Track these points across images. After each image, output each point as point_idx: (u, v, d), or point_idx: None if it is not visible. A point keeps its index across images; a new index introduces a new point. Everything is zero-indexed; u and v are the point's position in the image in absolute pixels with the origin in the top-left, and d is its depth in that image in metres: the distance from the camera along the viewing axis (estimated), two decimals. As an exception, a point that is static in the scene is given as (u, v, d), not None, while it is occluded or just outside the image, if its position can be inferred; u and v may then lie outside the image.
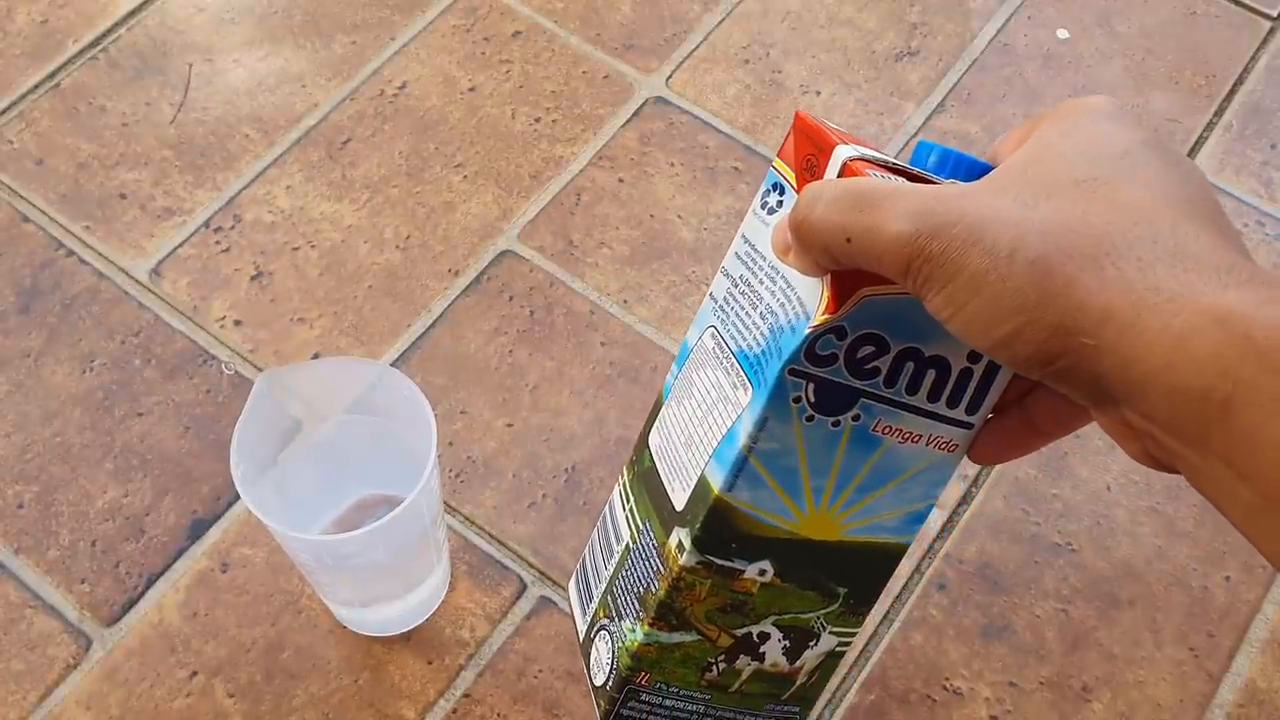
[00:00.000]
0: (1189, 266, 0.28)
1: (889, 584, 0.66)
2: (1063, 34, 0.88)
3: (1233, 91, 0.86)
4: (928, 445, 0.37)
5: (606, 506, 0.45)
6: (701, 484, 0.38)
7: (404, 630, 0.65)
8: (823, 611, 0.41)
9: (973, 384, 0.36)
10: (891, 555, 0.40)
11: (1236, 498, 0.28)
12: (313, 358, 0.73)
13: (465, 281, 0.76)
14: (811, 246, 0.32)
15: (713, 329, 0.39)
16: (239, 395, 0.72)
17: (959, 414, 0.37)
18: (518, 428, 0.71)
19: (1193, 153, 0.83)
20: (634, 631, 0.41)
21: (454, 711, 0.63)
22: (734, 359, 0.37)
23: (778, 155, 0.38)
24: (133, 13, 0.86)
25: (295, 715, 0.63)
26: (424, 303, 0.75)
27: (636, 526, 0.42)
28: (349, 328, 0.74)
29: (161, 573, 0.66)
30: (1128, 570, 0.68)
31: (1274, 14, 0.89)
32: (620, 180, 0.80)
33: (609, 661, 0.42)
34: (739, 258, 0.39)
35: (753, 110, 0.83)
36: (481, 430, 0.71)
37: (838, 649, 0.43)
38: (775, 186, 0.38)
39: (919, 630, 0.66)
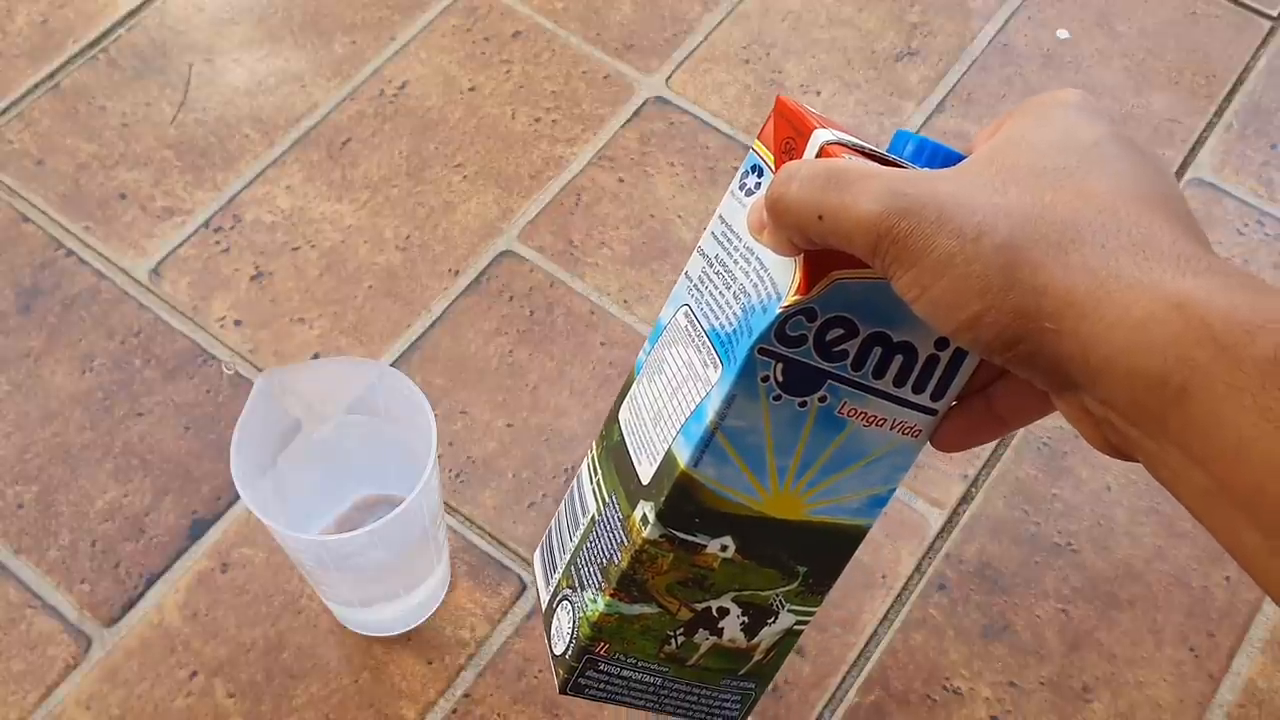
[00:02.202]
0: (1150, 255, 0.29)
1: (889, 583, 0.66)
2: (1063, 34, 0.88)
3: (1233, 91, 0.86)
4: (892, 429, 0.38)
5: (574, 479, 0.45)
6: (668, 459, 0.38)
7: (404, 630, 0.65)
8: (782, 590, 0.42)
9: (939, 371, 0.37)
10: (852, 537, 0.41)
11: (1191, 483, 0.29)
12: (313, 358, 0.73)
13: (465, 281, 0.76)
14: (785, 224, 0.33)
15: (686, 308, 0.40)
16: (239, 395, 0.72)
17: (924, 400, 0.38)
18: (518, 428, 0.71)
19: (1193, 153, 0.83)
20: (595, 602, 0.42)
21: (454, 711, 0.63)
22: (706, 337, 0.38)
23: (757, 138, 0.38)
24: (133, 13, 0.86)
25: (295, 715, 0.63)
26: (424, 303, 0.75)
27: (602, 499, 0.42)
28: (349, 328, 0.74)
29: (161, 573, 0.66)
30: (1128, 570, 0.68)
31: (1274, 14, 0.89)
32: (620, 180, 0.80)
33: (569, 630, 0.43)
34: (715, 238, 0.39)
35: (753, 110, 0.83)
36: (481, 430, 0.71)
37: (795, 627, 0.44)
38: (754, 168, 0.38)
39: (919, 630, 0.66)
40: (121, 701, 0.63)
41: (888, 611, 0.66)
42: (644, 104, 0.83)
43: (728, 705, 0.46)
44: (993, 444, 0.71)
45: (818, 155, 0.34)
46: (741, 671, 0.45)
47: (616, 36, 0.86)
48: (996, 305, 0.29)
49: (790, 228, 0.33)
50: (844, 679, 0.65)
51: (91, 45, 0.85)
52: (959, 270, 0.29)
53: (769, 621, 0.43)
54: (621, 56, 0.85)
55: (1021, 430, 0.72)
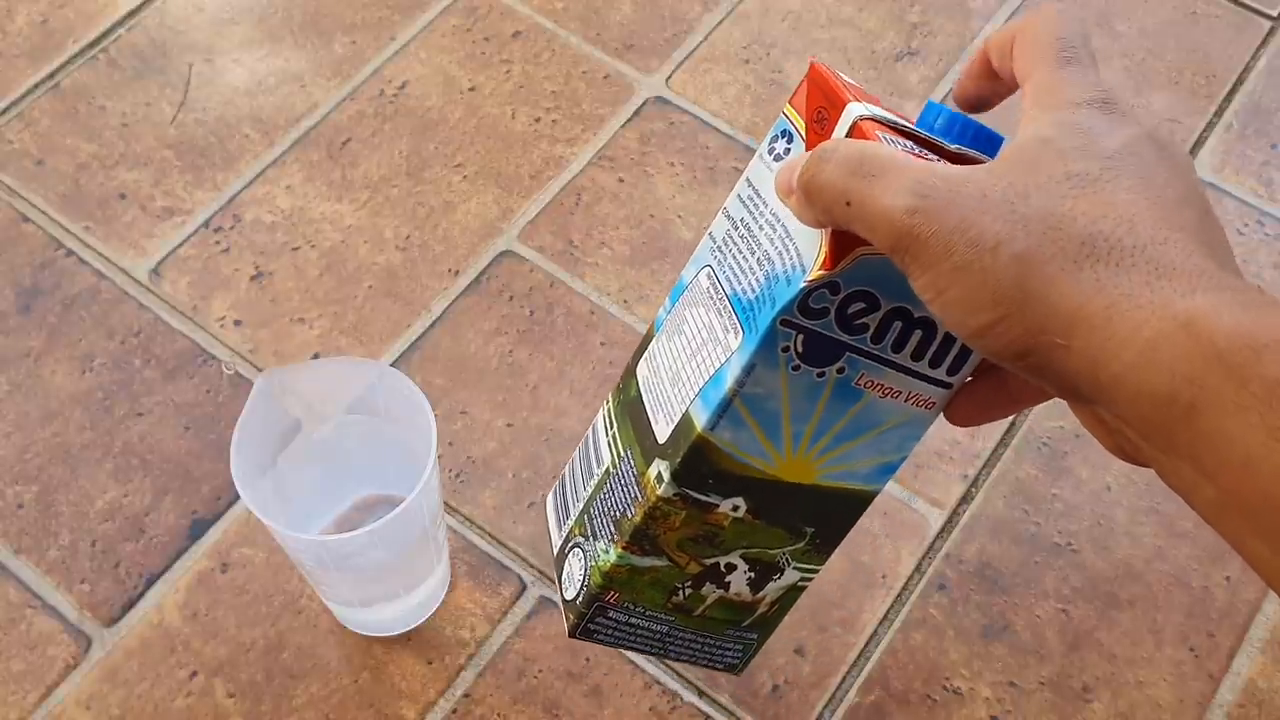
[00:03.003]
0: (1162, 274, 0.29)
1: (889, 583, 0.66)
2: (1063, 34, 0.88)
3: (1233, 91, 0.86)
4: (907, 401, 0.39)
5: (589, 429, 0.46)
6: (685, 421, 0.39)
7: (404, 630, 0.65)
8: (789, 548, 0.43)
9: (956, 347, 0.37)
10: (861, 501, 0.42)
11: (1201, 494, 0.29)
12: (313, 358, 0.73)
13: (465, 281, 0.76)
14: (814, 203, 0.33)
15: (709, 269, 0.40)
16: (239, 395, 0.72)
17: (940, 374, 0.38)
18: (518, 428, 0.71)
19: (1193, 153, 0.83)
20: (607, 553, 0.42)
21: (454, 711, 0.63)
22: (727, 301, 0.38)
23: (789, 102, 0.38)
24: (133, 13, 0.86)
25: (295, 715, 0.63)
26: (424, 303, 0.75)
27: (618, 453, 0.43)
28: (349, 328, 0.74)
29: (161, 573, 0.66)
30: (1128, 570, 0.68)
31: (1274, 14, 0.89)
32: (620, 180, 0.80)
33: (581, 578, 0.44)
34: (741, 200, 0.39)
35: (753, 110, 0.83)
36: (481, 430, 0.71)
37: (800, 583, 0.45)
38: (784, 134, 0.38)
39: (919, 630, 0.66)
40: (121, 701, 0.63)
41: (888, 611, 0.66)
42: (644, 104, 0.83)
43: (730, 653, 0.48)
44: (993, 445, 0.71)
45: (850, 131, 0.35)
46: (745, 623, 0.46)
47: (616, 36, 0.86)
48: (1008, 316, 0.30)
49: (819, 207, 0.33)
50: (844, 679, 0.65)
51: (91, 45, 0.85)
52: (974, 279, 0.30)
53: (775, 577, 0.44)
54: (621, 56, 0.85)
55: (1022, 430, 0.72)
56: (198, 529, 0.68)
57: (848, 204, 0.32)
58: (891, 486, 0.70)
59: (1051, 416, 0.72)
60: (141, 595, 0.66)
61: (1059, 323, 0.29)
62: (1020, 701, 0.64)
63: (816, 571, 0.45)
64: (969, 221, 0.30)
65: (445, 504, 0.68)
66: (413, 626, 0.65)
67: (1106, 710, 0.64)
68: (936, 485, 0.70)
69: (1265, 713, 0.64)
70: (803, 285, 0.35)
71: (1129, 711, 0.64)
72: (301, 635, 0.65)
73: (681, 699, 0.64)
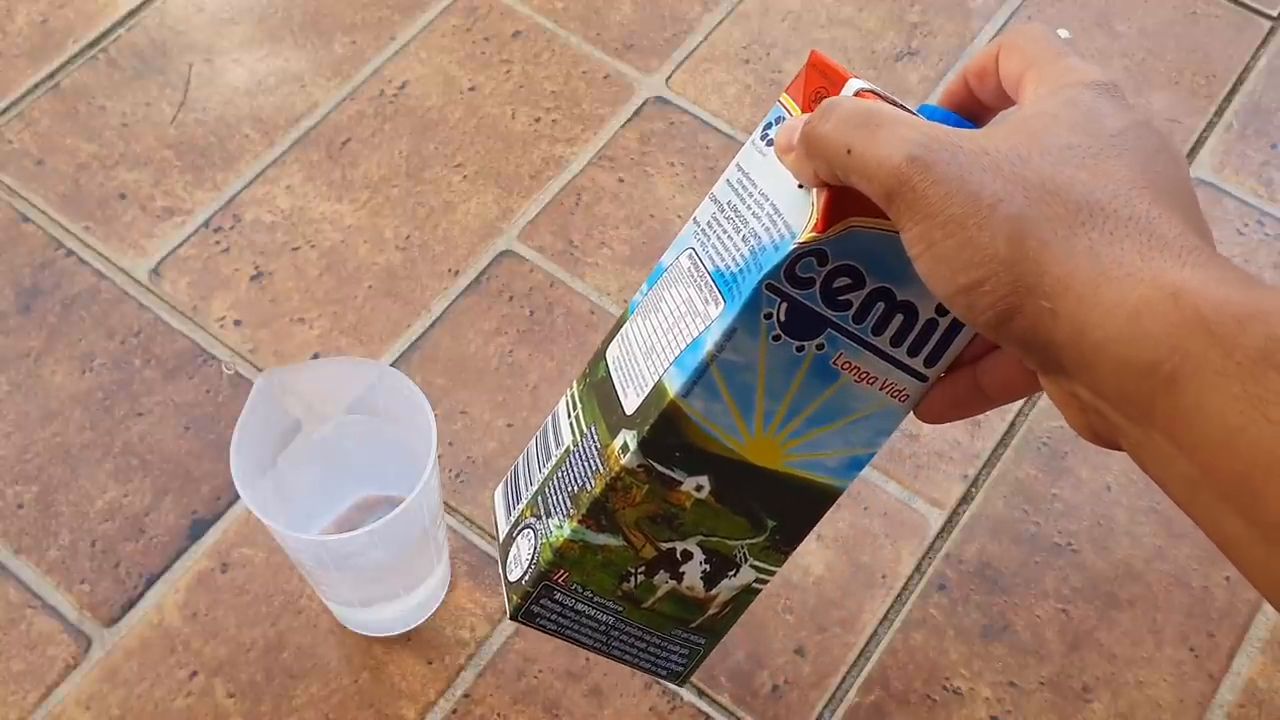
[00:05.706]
0: (1155, 246, 0.29)
1: (889, 583, 0.67)
2: (1063, 34, 0.88)
3: (1233, 91, 0.86)
4: (881, 389, 0.38)
5: (549, 418, 0.45)
6: (657, 389, 0.39)
7: (404, 630, 0.65)
8: (748, 541, 0.42)
9: (936, 336, 0.37)
10: (825, 497, 0.42)
11: (1176, 471, 0.29)
12: (313, 358, 0.73)
13: (465, 281, 0.76)
14: (814, 154, 0.33)
15: (691, 250, 0.40)
16: (239, 395, 0.72)
17: (917, 364, 0.38)
18: (518, 428, 0.71)
19: (1193, 153, 0.83)
20: (561, 528, 0.42)
21: (454, 711, 0.63)
22: (709, 277, 0.38)
23: (785, 91, 0.38)
24: (133, 13, 0.86)
25: (295, 715, 0.63)
26: (424, 303, 0.75)
27: (580, 431, 0.42)
28: (349, 328, 0.74)
29: (161, 573, 0.66)
30: (1128, 570, 0.68)
31: (1274, 14, 0.89)
32: (620, 180, 0.80)
33: (529, 557, 0.43)
34: (730, 185, 0.39)
35: (753, 110, 0.83)
36: (481, 430, 0.71)
37: (754, 585, 0.44)
38: (779, 120, 0.38)
39: (919, 630, 0.66)
40: (121, 701, 0.63)
41: (888, 611, 0.66)
42: (644, 104, 0.83)
43: (674, 658, 0.47)
44: (992, 445, 0.71)
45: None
46: (693, 624, 0.45)
47: (616, 36, 0.86)
48: (997, 274, 0.30)
49: (819, 158, 0.33)
50: (844, 679, 0.65)
51: (91, 45, 0.85)
52: (968, 234, 0.30)
53: (730, 574, 0.43)
54: (621, 56, 0.85)
55: (1022, 430, 0.72)
56: (198, 529, 0.68)
57: (848, 152, 0.32)
58: (891, 486, 0.70)
59: (1052, 417, 0.72)
60: (141, 595, 0.66)
61: (1047, 285, 0.29)
62: (1020, 701, 0.64)
63: (772, 573, 0.44)
64: (968, 177, 0.30)
65: (445, 504, 0.68)
66: (413, 626, 0.65)
67: (1106, 710, 0.64)
68: (936, 485, 0.70)
69: (1265, 713, 0.64)
70: (793, 248, 0.35)
71: (1129, 711, 0.64)
72: (301, 635, 0.65)
73: (681, 699, 0.64)
